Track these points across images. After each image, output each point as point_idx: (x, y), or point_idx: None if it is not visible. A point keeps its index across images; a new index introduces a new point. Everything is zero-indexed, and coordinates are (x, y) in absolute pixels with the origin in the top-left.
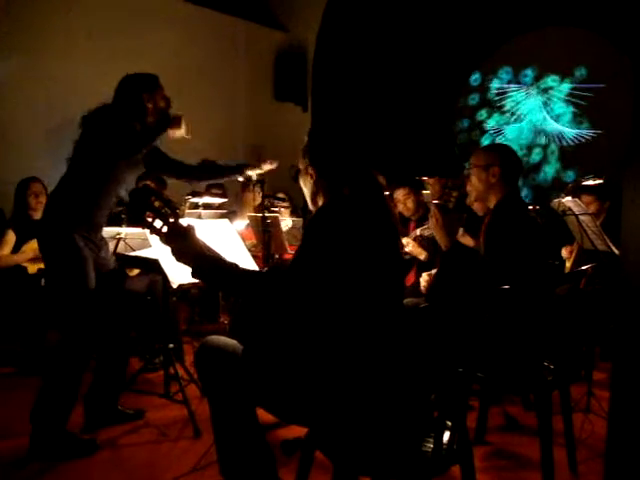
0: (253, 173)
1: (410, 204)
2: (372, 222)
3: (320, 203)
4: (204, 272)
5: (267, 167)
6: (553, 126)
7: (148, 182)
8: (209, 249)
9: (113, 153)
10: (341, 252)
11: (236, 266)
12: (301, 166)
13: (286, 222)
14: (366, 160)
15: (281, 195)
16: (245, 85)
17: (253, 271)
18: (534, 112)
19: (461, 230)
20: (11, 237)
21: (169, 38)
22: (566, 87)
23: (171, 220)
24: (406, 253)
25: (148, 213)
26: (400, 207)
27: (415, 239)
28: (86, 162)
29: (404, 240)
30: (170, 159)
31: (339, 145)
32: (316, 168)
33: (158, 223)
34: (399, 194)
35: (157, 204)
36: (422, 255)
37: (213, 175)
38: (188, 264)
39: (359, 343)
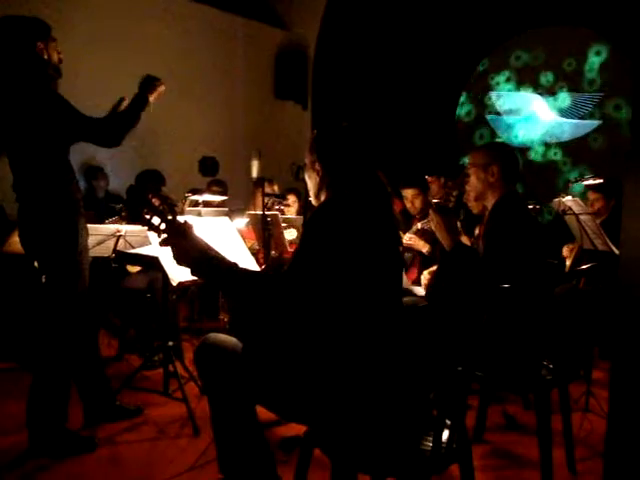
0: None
1: (418, 204)
2: (372, 221)
3: (323, 198)
4: (202, 270)
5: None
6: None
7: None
8: (208, 247)
9: (64, 130)
10: (340, 249)
11: (235, 265)
12: (307, 161)
13: (291, 232)
14: (373, 159)
15: (291, 195)
16: (245, 83)
17: (252, 271)
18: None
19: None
20: None
21: (168, 36)
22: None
23: (169, 217)
24: (405, 249)
25: (146, 210)
26: (408, 205)
27: (416, 233)
28: (40, 138)
29: (407, 235)
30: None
31: (348, 142)
32: (323, 164)
33: (156, 220)
34: (408, 193)
35: (155, 202)
36: (425, 248)
37: (120, 121)
38: (186, 262)
39: (358, 341)
